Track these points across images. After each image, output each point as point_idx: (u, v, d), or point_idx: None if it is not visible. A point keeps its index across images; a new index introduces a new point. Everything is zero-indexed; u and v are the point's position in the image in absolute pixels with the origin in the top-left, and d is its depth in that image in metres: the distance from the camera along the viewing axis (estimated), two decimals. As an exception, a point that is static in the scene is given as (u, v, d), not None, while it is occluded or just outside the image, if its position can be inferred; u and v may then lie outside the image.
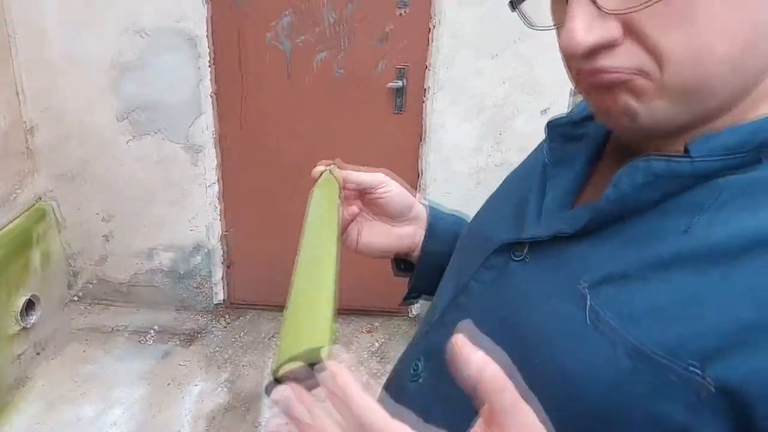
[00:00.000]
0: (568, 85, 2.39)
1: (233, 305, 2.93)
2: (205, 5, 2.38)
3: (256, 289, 2.90)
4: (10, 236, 2.40)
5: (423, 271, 0.80)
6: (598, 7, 0.41)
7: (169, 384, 2.47)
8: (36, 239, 2.56)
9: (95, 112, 2.50)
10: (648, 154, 0.45)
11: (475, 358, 0.36)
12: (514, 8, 0.50)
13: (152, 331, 2.76)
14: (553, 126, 0.60)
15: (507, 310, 0.52)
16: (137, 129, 2.52)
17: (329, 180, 0.74)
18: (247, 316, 2.91)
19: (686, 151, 0.43)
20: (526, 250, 0.53)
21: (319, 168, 0.76)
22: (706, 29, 0.40)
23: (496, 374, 0.36)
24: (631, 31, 0.41)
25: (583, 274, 0.47)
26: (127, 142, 2.54)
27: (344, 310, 2.85)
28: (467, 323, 0.41)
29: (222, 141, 2.61)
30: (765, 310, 0.38)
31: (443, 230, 0.79)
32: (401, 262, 0.84)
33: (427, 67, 2.46)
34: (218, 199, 2.70)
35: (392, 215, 0.77)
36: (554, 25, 0.48)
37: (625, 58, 0.42)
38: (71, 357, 2.58)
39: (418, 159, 2.62)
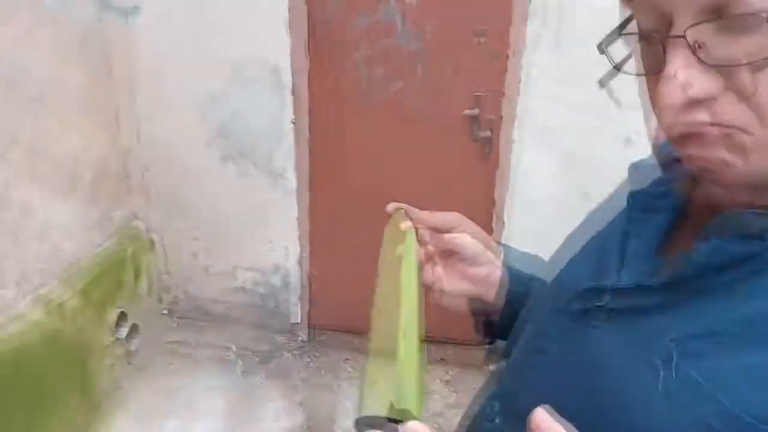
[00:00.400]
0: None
1: (310, 326, 3.00)
2: (288, 37, 2.47)
3: (332, 312, 2.95)
4: (106, 254, 2.58)
5: (504, 313, 0.79)
6: (700, 59, 0.39)
7: (248, 400, 2.56)
8: (129, 258, 2.73)
9: (185, 137, 2.65)
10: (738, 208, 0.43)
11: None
12: (602, 52, 0.48)
13: (234, 347, 2.87)
14: (634, 194, 0.57)
15: (584, 360, 0.51)
16: (224, 154, 2.65)
17: (404, 223, 0.78)
18: (323, 338, 2.96)
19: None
20: (607, 297, 0.51)
21: (394, 204, 0.80)
22: None
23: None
24: (732, 83, 0.39)
25: (669, 331, 0.44)
26: (216, 164, 2.67)
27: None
28: (546, 407, 0.40)
29: (301, 167, 2.68)
30: None
31: (520, 271, 0.78)
32: (478, 314, 0.83)
33: (503, 95, 2.44)
34: (297, 222, 2.78)
35: (468, 257, 0.76)
36: (644, 72, 0.45)
37: (724, 112, 0.40)
38: (159, 370, 2.73)
39: (494, 187, 2.59)
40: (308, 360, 2.82)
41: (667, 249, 0.52)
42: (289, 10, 2.42)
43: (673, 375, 0.42)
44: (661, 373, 0.43)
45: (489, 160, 2.55)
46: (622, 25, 0.48)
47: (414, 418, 0.48)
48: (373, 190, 2.67)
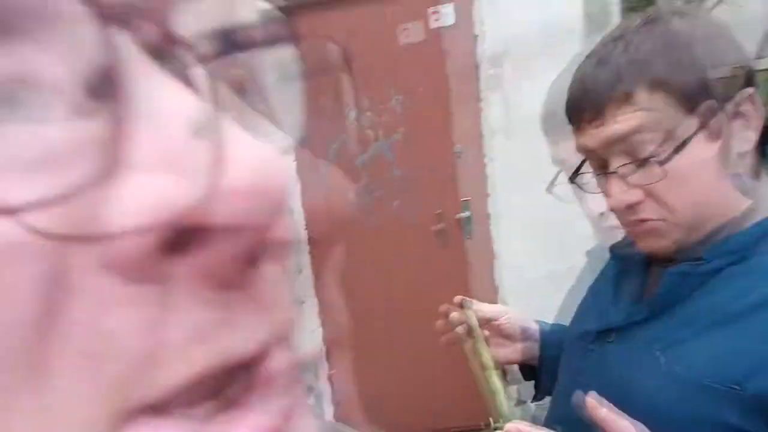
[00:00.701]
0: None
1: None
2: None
3: (364, 421, 3.09)
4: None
5: (544, 373, 1.06)
6: (627, 182, 0.70)
7: None
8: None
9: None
10: (679, 262, 0.74)
11: (601, 411, 0.65)
12: (572, 182, 0.82)
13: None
14: (613, 250, 0.90)
15: (610, 377, 0.79)
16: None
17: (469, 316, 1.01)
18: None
19: (702, 258, 0.72)
20: (613, 334, 0.81)
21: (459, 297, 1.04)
22: (696, 189, 0.69)
23: (612, 416, 0.64)
24: (650, 195, 0.69)
25: (655, 345, 0.74)
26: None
27: (456, 428, 3.01)
28: (592, 394, 0.68)
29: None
30: (760, 344, 0.64)
31: (555, 338, 1.06)
32: (526, 369, 1.11)
33: (488, 195, 2.84)
34: (323, 343, 3.00)
35: (514, 335, 1.05)
36: (600, 192, 0.76)
37: (649, 211, 0.70)
38: None
39: (493, 277, 2.92)
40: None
41: (645, 293, 0.83)
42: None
43: (662, 370, 0.71)
44: (657, 372, 0.72)
45: (486, 254, 2.91)
46: (578, 168, 0.82)
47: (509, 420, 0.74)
48: (383, 304, 2.96)
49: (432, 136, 2.82)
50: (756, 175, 0.73)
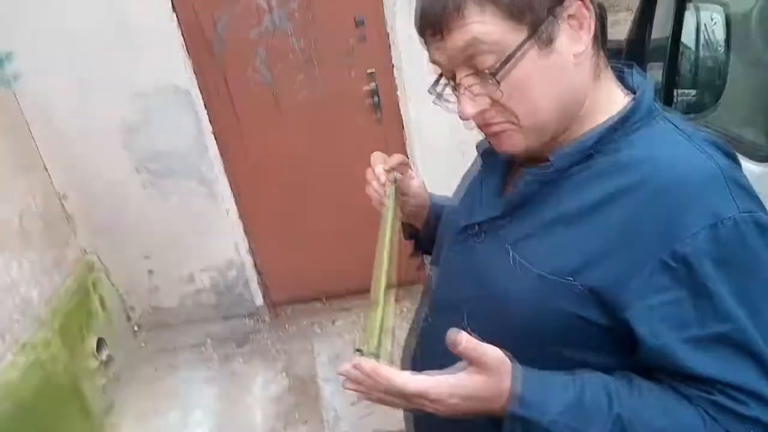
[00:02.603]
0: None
1: (273, 305, 3.34)
2: (188, 59, 2.72)
3: (288, 287, 3.30)
4: (71, 291, 2.80)
5: (426, 235, 1.15)
6: (472, 93, 0.74)
7: (234, 381, 2.90)
8: (90, 288, 2.95)
9: (115, 169, 2.86)
10: (531, 163, 0.80)
11: (460, 337, 0.68)
12: (435, 95, 0.84)
13: (208, 341, 3.17)
14: (479, 148, 0.96)
15: (473, 267, 0.87)
16: (155, 176, 2.88)
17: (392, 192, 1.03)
18: (287, 312, 3.32)
19: (548, 160, 0.78)
20: (476, 228, 0.88)
21: (379, 170, 1.04)
22: (534, 96, 0.72)
23: (471, 341, 0.68)
24: (495, 102, 0.73)
25: (508, 239, 0.81)
26: (149, 186, 2.90)
27: (369, 287, 3.23)
28: (454, 330, 0.68)
29: (230, 171, 2.97)
30: (602, 243, 0.69)
31: (441, 208, 1.13)
32: (408, 228, 1.20)
33: (393, 67, 2.80)
34: (239, 219, 3.08)
35: (416, 192, 1.10)
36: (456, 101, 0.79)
37: (497, 117, 0.75)
38: (145, 378, 3.00)
39: (405, 147, 2.98)
40: (280, 333, 3.18)
41: (507, 187, 0.89)
42: (183, 36, 2.66)
43: (512, 262, 0.79)
44: (507, 264, 0.79)
45: (391, 124, 2.93)
46: (437, 80, 0.82)
47: (371, 353, 0.73)
48: (300, 176, 3.01)
49: (331, 3, 2.69)
50: (596, 76, 0.76)
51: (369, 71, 2.81)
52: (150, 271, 3.13)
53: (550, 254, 0.74)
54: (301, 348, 3.05)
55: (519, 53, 0.70)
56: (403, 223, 1.19)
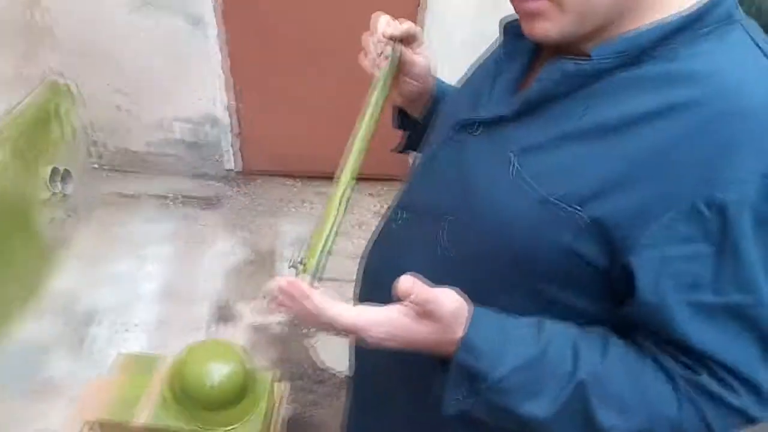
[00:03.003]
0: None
1: (246, 172, 3.13)
2: None
3: (266, 157, 3.08)
4: (30, 110, 2.54)
5: (420, 129, 0.97)
6: None
7: (194, 241, 2.74)
8: (53, 112, 2.70)
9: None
10: (566, 56, 0.62)
11: (410, 286, 0.59)
12: None
13: (172, 195, 2.99)
14: (507, 25, 0.75)
15: (462, 170, 0.72)
16: (140, 1, 2.56)
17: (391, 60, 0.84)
18: (259, 182, 3.12)
19: (589, 55, 0.60)
20: (478, 126, 0.71)
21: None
22: None
23: (424, 290, 0.59)
24: None
25: (512, 145, 0.65)
26: (130, 13, 2.58)
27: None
28: (404, 277, 0.60)
29: (225, 13, 2.65)
30: (626, 169, 0.57)
31: (440, 94, 0.95)
32: (402, 116, 1.01)
33: (426, -67, 2.45)
34: (223, 70, 2.79)
35: (419, 73, 0.90)
36: None
37: None
38: (101, 220, 2.83)
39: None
40: (247, 202, 2.99)
41: (526, 83, 0.71)
42: None
43: (512, 175, 0.64)
44: (506, 175, 0.64)
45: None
46: None
47: (309, 273, 0.65)
48: (301, 35, 2.70)
49: None
50: None
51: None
52: (119, 108, 2.87)
53: (561, 173, 0.61)
54: (266, 223, 2.89)
55: None
56: (398, 109, 1.00)
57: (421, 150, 0.88)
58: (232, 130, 2.98)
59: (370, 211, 2.95)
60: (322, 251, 0.66)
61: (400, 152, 1.09)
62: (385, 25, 0.85)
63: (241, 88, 2.87)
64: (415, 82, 0.91)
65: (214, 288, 2.51)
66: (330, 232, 0.68)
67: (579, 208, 0.59)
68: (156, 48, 2.68)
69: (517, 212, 0.63)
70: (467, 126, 0.72)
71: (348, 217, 2.77)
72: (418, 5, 2.63)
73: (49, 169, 2.61)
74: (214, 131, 2.93)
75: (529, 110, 0.65)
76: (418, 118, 0.98)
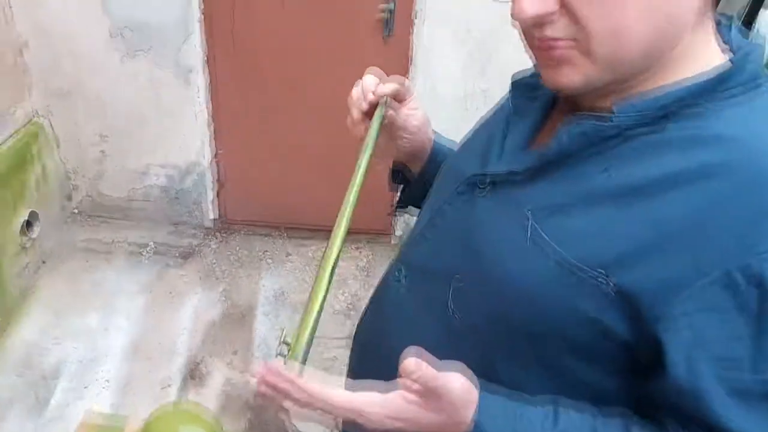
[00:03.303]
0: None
1: (227, 223, 3.06)
2: None
3: (247, 208, 3.02)
4: (8, 153, 2.47)
5: (418, 185, 0.93)
6: None
7: (169, 294, 2.64)
8: (34, 155, 2.63)
9: (86, 30, 2.50)
10: (584, 112, 0.58)
11: (415, 363, 0.53)
12: None
13: (151, 244, 2.89)
14: (515, 82, 0.73)
15: (470, 230, 0.67)
16: (130, 47, 2.54)
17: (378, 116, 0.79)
18: (241, 233, 3.05)
19: (608, 111, 0.56)
20: (488, 182, 0.66)
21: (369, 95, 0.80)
22: (627, 13, 0.51)
23: (429, 371, 0.53)
24: (565, 7, 0.53)
25: (528, 204, 0.61)
26: (121, 59, 2.56)
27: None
28: (411, 351, 0.55)
29: (212, 62, 2.63)
30: (656, 235, 0.52)
31: (443, 157, 0.91)
32: (398, 174, 0.97)
33: (416, -7, 2.47)
34: (210, 119, 2.76)
35: (415, 128, 0.86)
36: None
37: (561, 29, 0.54)
38: (74, 269, 2.73)
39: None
40: (228, 254, 2.91)
41: (538, 140, 0.68)
42: None
43: (528, 235, 0.59)
44: (521, 236, 0.59)
45: (400, 55, 2.62)
46: None
47: (296, 357, 0.58)
48: (288, 86, 2.69)
49: None
50: (700, 16, 0.55)
51: (390, -9, 2.47)
52: (103, 153, 2.81)
53: (584, 236, 0.56)
54: (247, 275, 2.80)
55: None
56: (394, 166, 0.96)
57: (423, 207, 0.83)
58: (214, 180, 2.92)
59: (355, 266, 2.88)
60: (311, 333, 0.60)
61: (396, 211, 1.04)
62: (373, 84, 0.81)
63: (226, 137, 2.84)
64: (412, 137, 0.87)
65: (187, 344, 2.40)
66: (318, 312, 0.61)
67: (604, 273, 0.54)
68: (144, 95, 2.64)
69: (534, 275, 0.58)
70: (476, 182, 0.68)
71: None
72: (410, 62, 2.63)
73: (24, 215, 2.53)
74: (197, 180, 2.88)
75: (544, 168, 0.61)
76: (416, 173, 0.94)
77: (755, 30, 1.79)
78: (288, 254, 2.95)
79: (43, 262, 2.69)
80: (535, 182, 0.61)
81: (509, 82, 0.74)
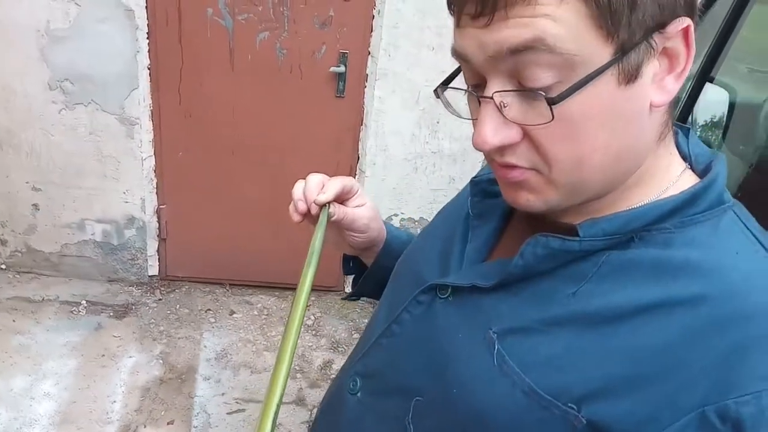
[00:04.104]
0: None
1: (167, 279, 2.95)
2: (143, -25, 2.31)
3: (190, 263, 2.92)
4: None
5: (370, 278, 0.91)
6: (504, 116, 0.51)
7: (102, 356, 2.49)
8: (-41, 207, 2.48)
9: (24, 79, 2.40)
10: (547, 229, 0.56)
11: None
12: (438, 96, 0.60)
13: (84, 302, 2.74)
14: (475, 183, 0.71)
15: (431, 344, 0.63)
16: (70, 99, 2.45)
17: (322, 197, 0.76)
18: (182, 289, 2.93)
19: (576, 232, 0.55)
20: (449, 291, 0.64)
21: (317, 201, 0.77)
22: (585, 144, 0.51)
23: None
24: (528, 137, 0.52)
25: (493, 323, 0.57)
26: (60, 111, 2.46)
27: (280, 285, 2.92)
28: None
29: (158, 115, 2.57)
30: (629, 368, 0.50)
31: (396, 249, 0.88)
32: (349, 260, 0.94)
33: (368, 54, 2.50)
34: (153, 172, 2.68)
35: (363, 225, 0.83)
36: (471, 118, 0.56)
37: (523, 157, 0.53)
38: (1, 327, 2.55)
39: (358, 143, 2.68)
40: (168, 312, 2.78)
41: (500, 246, 0.66)
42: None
43: (494, 361, 0.56)
44: (487, 359, 0.56)
45: (354, 116, 2.63)
46: (452, 77, 0.59)
47: None
48: (234, 143, 2.65)
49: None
50: (661, 136, 0.55)
51: (342, 51, 2.49)
52: (35, 206, 2.67)
53: (553, 365, 0.53)
54: (187, 335, 2.68)
55: (594, 79, 0.48)
56: (347, 257, 0.94)
57: (378, 308, 0.79)
58: (155, 234, 2.82)
59: (304, 325, 2.79)
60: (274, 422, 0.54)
61: (349, 299, 1.01)
62: (316, 190, 0.78)
63: (169, 191, 2.76)
64: (361, 235, 0.85)
65: (120, 413, 2.25)
66: (280, 399, 0.55)
67: (574, 407, 0.51)
68: (83, 146, 2.54)
69: (499, 403, 0.55)
70: (439, 290, 0.65)
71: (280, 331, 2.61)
72: (362, 125, 2.64)
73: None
74: (136, 234, 2.77)
75: (507, 284, 0.59)
76: (369, 264, 0.91)
77: (698, 104, 1.88)
78: (232, 312, 2.85)
79: (-36, 321, 2.51)
80: (499, 297, 0.59)
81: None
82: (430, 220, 0.75)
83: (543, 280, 0.57)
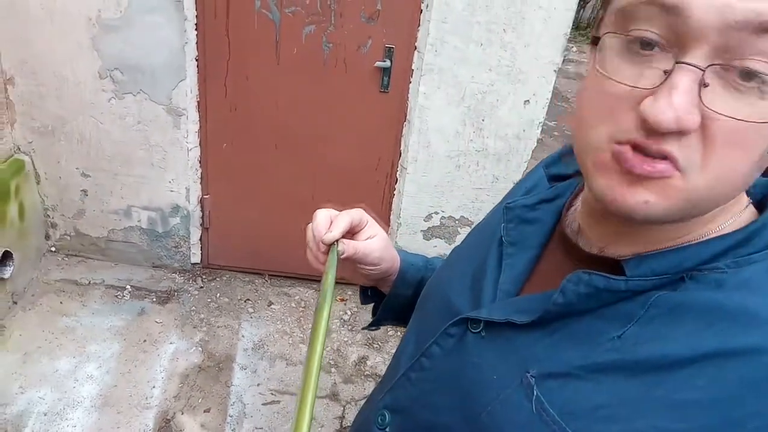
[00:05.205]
0: (551, 78, 2.42)
1: (209, 267, 2.99)
2: (194, -33, 2.33)
3: (231, 252, 2.95)
4: (-12, 188, 2.40)
5: (388, 307, 0.88)
6: (699, 96, 0.40)
7: (144, 341, 2.55)
8: (13, 190, 2.56)
9: (75, 68, 2.46)
10: (586, 258, 0.53)
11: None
12: (594, 44, 0.48)
13: (129, 287, 2.81)
14: (509, 208, 0.66)
15: (463, 382, 0.59)
16: (119, 88, 2.49)
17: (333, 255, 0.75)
18: (223, 278, 2.97)
19: (619, 267, 0.50)
20: (482, 326, 0.60)
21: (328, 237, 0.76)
22: (744, 159, 0.43)
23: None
24: (704, 131, 0.42)
25: (530, 365, 0.54)
26: (109, 100, 2.51)
27: (319, 278, 2.92)
28: None
29: (204, 107, 2.59)
30: (678, 422, 0.46)
31: (412, 277, 0.86)
32: (367, 290, 0.92)
33: (415, 49, 2.46)
34: (198, 163, 2.71)
35: (376, 258, 0.81)
36: (611, 77, 0.45)
37: (684, 152, 0.42)
38: (48, 308, 2.63)
39: (401, 139, 2.65)
40: (208, 300, 2.83)
41: (534, 279, 0.62)
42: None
43: (533, 408, 0.52)
44: (525, 405, 0.52)
45: (397, 111, 2.60)
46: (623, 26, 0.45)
47: None
48: (278, 134, 2.66)
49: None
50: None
51: (387, 46, 2.46)
52: (84, 192, 2.74)
53: (596, 413, 0.49)
54: (226, 324, 2.71)
55: None
56: (362, 287, 0.92)
57: (405, 336, 0.76)
58: (198, 223, 2.86)
59: (339, 318, 2.81)
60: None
61: (371, 328, 0.98)
62: (323, 229, 0.76)
63: (213, 181, 2.79)
64: (374, 267, 0.82)
65: (159, 398, 2.30)
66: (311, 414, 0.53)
67: None
68: (131, 135, 2.59)
69: None
70: (470, 323, 0.61)
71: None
72: (405, 120, 2.61)
73: (0, 252, 2.44)
74: (180, 222, 2.81)
75: (546, 322, 0.55)
76: (386, 292, 0.89)
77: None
78: (270, 302, 2.87)
79: (17, 300, 2.60)
80: (536, 332, 0.55)
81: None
82: (470, 219, 0.72)
83: (583, 318, 0.52)
